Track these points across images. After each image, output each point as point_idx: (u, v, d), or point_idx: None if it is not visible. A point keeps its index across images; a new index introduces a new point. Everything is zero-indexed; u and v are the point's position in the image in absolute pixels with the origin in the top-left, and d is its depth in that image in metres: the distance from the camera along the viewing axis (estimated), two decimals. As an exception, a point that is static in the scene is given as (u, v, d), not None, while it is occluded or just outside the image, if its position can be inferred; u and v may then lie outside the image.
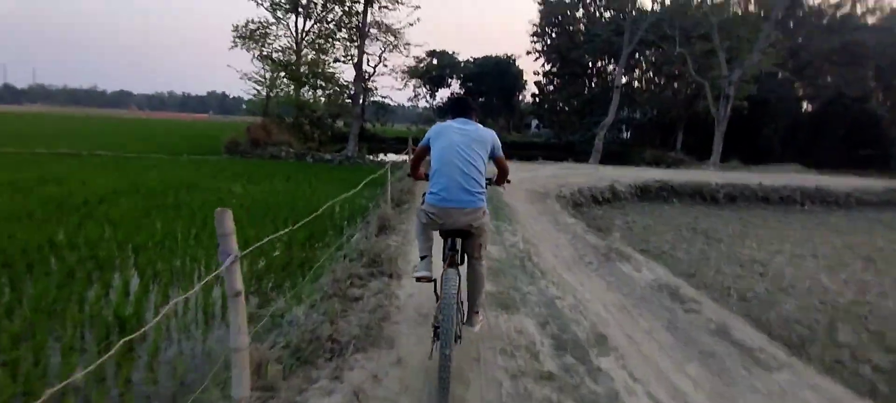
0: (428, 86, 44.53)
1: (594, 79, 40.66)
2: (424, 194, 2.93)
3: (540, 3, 39.13)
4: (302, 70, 24.29)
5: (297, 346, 2.85)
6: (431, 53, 43.74)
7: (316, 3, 24.67)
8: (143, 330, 2.25)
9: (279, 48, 25.45)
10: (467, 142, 2.83)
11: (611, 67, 39.17)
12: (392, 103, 37.26)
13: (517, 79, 45.72)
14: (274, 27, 25.04)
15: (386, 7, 23.26)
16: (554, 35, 39.99)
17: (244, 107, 27.66)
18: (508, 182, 3.44)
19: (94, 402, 3.08)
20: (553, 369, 2.88)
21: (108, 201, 8.76)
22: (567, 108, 40.84)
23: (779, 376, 3.03)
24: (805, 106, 35.79)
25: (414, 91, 44.49)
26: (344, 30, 24.61)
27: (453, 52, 44.95)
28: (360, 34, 22.77)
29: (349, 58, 24.83)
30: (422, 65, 42.98)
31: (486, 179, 2.98)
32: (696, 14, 25.69)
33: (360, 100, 27.55)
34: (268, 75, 25.68)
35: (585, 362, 2.97)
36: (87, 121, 42.73)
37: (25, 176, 10.96)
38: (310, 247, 6.99)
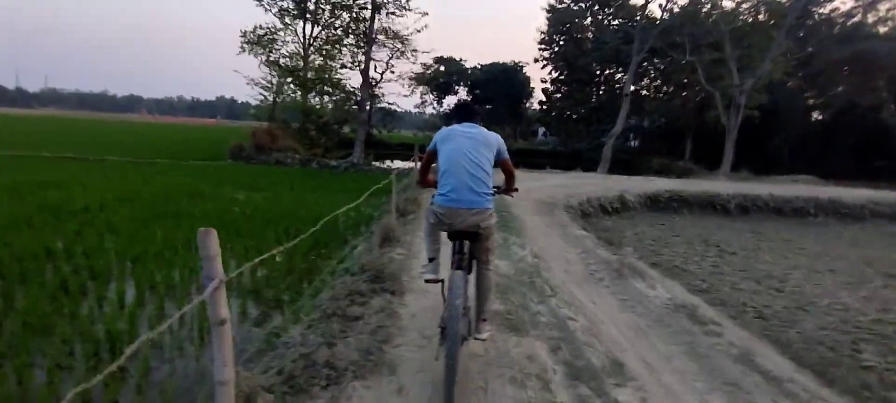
0: (435, 93, 44.45)
1: (602, 87, 40.45)
2: (433, 195, 2.98)
3: (548, 11, 39.03)
4: (309, 76, 24.22)
5: (291, 373, 2.65)
6: (439, 60, 43.73)
7: (324, 9, 24.67)
8: (122, 357, 2.06)
9: (286, 54, 25.49)
10: (474, 144, 2.89)
11: (619, 75, 38.96)
12: (399, 110, 37.26)
13: (524, 87, 45.55)
14: (281, 33, 25.10)
15: (393, 13, 23.19)
16: (562, 42, 39.82)
17: (252, 112, 27.57)
18: (516, 190, 3.42)
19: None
20: (567, 401, 2.66)
21: (109, 208, 8.63)
22: (574, 116, 40.63)
23: (811, 410, 2.80)
24: (815, 116, 35.36)
25: (421, 97, 44.46)
26: (351, 36, 24.57)
27: (461, 59, 44.97)
28: (368, 40, 22.69)
29: (356, 64, 24.77)
30: (429, 71, 42.95)
31: (495, 187, 3.03)
32: (707, 22, 25.44)
33: (367, 107, 27.48)
34: (274, 81, 25.67)
35: (602, 394, 2.75)
36: (97, 126, 42.94)
37: (27, 180, 10.86)
38: (312, 257, 6.81)
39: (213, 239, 1.80)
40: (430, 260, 3.10)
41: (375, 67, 26.65)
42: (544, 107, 43.53)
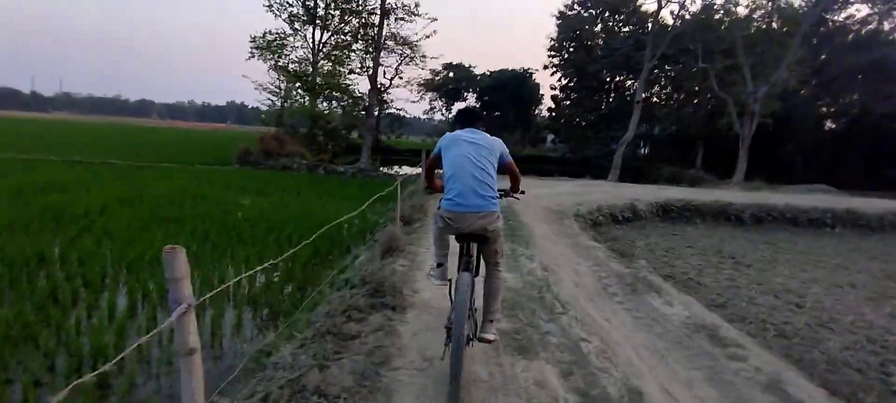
0: (444, 100, 44.25)
1: (611, 94, 40.09)
2: (440, 200, 3.03)
3: (558, 18, 38.81)
4: (317, 81, 24.15)
5: (276, 401, 2.41)
6: (448, 66, 43.58)
7: (333, 15, 24.62)
8: (92, 374, 1.84)
9: (296, 59, 25.45)
10: (477, 149, 2.95)
11: (629, 82, 38.61)
12: (407, 116, 37.14)
13: (533, 94, 45.21)
14: (291, 38, 25.07)
15: (403, 19, 23.09)
16: (571, 49, 39.54)
17: (261, 117, 27.53)
18: (522, 193, 3.47)
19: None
20: (580, 436, 2.41)
21: (109, 212, 8.48)
22: (583, 123, 40.29)
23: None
24: (828, 124, 34.77)
25: (430, 104, 44.29)
26: (360, 41, 24.49)
27: (470, 66, 44.66)
28: (376, 46, 22.60)
29: (365, 69, 24.70)
30: (438, 77, 42.83)
31: (500, 191, 3.08)
32: (719, 29, 25.09)
33: (376, 112, 27.36)
34: (283, 86, 25.62)
35: (619, 428, 2.49)
36: (108, 129, 43.22)
37: (32, 183, 10.78)
38: (315, 263, 6.60)
39: (179, 259, 1.58)
40: (439, 265, 3.14)
41: (384, 73, 26.59)
42: (553, 113, 43.21)
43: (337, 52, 25.32)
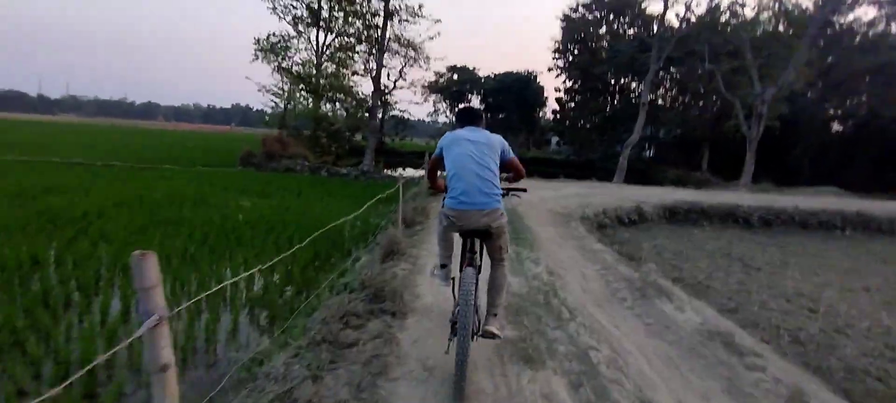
0: (448, 102, 44.11)
1: (616, 97, 39.88)
2: (443, 199, 3.06)
3: (562, 20, 38.67)
4: (321, 83, 24.04)
5: (266, 416, 2.25)
6: (452, 68, 43.48)
7: (337, 17, 24.54)
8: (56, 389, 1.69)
9: (299, 61, 25.37)
10: (479, 146, 2.96)
11: (634, 85, 38.39)
12: (411, 118, 37.03)
13: (538, 96, 45.00)
14: (295, 41, 25.00)
15: (406, 20, 22.97)
16: (576, 52, 39.37)
17: (266, 119, 27.49)
18: (524, 190, 3.50)
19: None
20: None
21: (107, 214, 8.36)
22: (588, 126, 40.10)
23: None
24: (835, 127, 34.43)
25: (434, 106, 44.17)
26: (364, 43, 24.38)
27: (474, 68, 44.51)
28: (380, 48, 22.48)
29: (368, 71, 24.58)
30: (442, 80, 42.72)
31: (503, 188, 3.12)
32: (726, 31, 24.85)
33: (380, 114, 27.24)
34: (286, 88, 25.55)
35: (633, 445, 2.31)
36: (113, 132, 43.30)
37: (32, 185, 10.68)
38: (314, 269, 6.44)
39: (150, 265, 1.42)
40: (443, 266, 3.17)
41: (388, 75, 26.47)
42: (558, 116, 43.01)
43: (341, 54, 25.23)
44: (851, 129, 31.79)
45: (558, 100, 41.88)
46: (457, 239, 3.12)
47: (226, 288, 5.13)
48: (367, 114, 24.80)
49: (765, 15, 24.96)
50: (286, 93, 25.65)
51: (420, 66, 26.31)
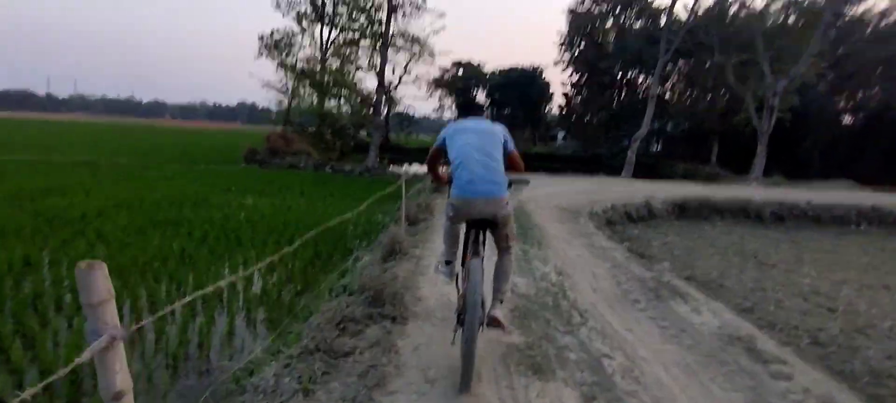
0: (453, 97, 43.85)
1: (623, 91, 39.44)
2: (449, 192, 3.07)
3: (568, 14, 38.25)
4: (325, 79, 23.87)
5: (249, 437, 2.05)
6: (457, 64, 43.21)
7: (341, 13, 24.37)
8: None
9: (304, 58, 25.23)
10: (482, 135, 2.98)
11: (641, 78, 37.96)
12: (416, 114, 36.83)
13: (543, 91, 44.61)
14: (299, 37, 24.86)
15: (410, 14, 22.75)
16: (582, 45, 38.91)
17: (272, 117, 27.40)
18: (527, 182, 3.64)
19: None
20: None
21: (106, 215, 8.21)
22: (594, 120, 39.69)
23: None
24: (846, 119, 33.88)
25: (439, 101, 43.93)
26: (369, 38, 24.19)
27: (479, 63, 44.21)
28: (384, 42, 22.27)
29: (372, 67, 24.39)
30: (447, 75, 42.44)
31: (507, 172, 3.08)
32: (735, 22, 24.44)
33: (385, 111, 27.02)
34: (290, 84, 25.42)
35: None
36: (119, 130, 43.39)
37: (31, 186, 10.56)
38: (315, 269, 6.25)
39: (98, 276, 1.23)
40: (448, 263, 3.12)
41: (393, 70, 26.29)
42: (564, 110, 42.61)
43: (345, 50, 25.07)
44: (862, 121, 31.27)
45: (564, 94, 41.50)
46: (461, 235, 3.11)
47: (222, 291, 4.94)
48: (371, 111, 24.65)
49: (775, 5, 24.49)
50: (290, 90, 25.53)
51: (425, 62, 26.11)
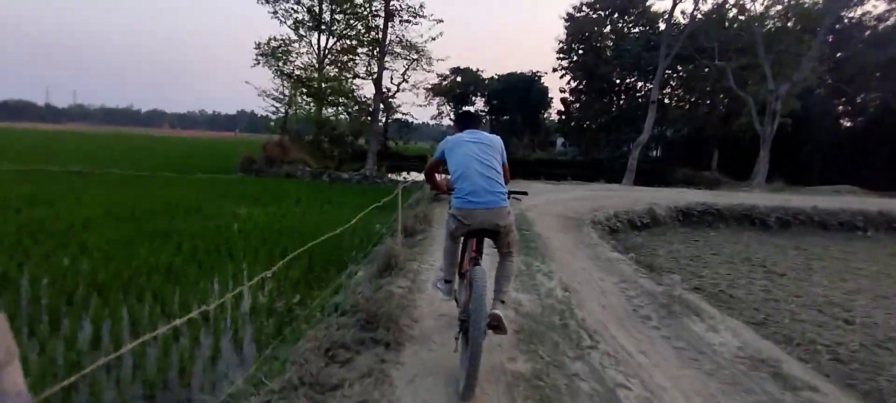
0: (452, 104, 43.67)
1: (622, 96, 39.34)
2: (450, 205, 3.10)
3: (566, 20, 38.17)
4: (323, 87, 23.62)
5: None
6: (455, 70, 43.07)
7: (338, 21, 24.17)
8: None
9: (301, 65, 24.99)
10: (482, 147, 3.03)
11: (640, 84, 37.85)
12: (414, 121, 36.55)
13: (542, 97, 44.49)
14: (296, 44, 24.63)
15: (407, 21, 22.49)
16: (580, 51, 38.83)
17: (270, 125, 27.14)
18: (524, 193, 3.58)
19: None
20: None
21: (93, 226, 7.93)
22: (593, 126, 39.56)
23: None
24: (846, 123, 33.74)
25: (437, 108, 43.74)
26: (366, 45, 23.96)
27: (477, 70, 44.08)
28: (381, 50, 22.03)
29: (370, 74, 24.14)
30: (445, 82, 42.26)
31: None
32: (735, 26, 24.31)
33: (383, 118, 26.79)
34: (287, 92, 25.16)
35: None
36: (118, 140, 43.10)
37: (19, 196, 10.28)
38: (305, 285, 5.95)
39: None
40: (447, 282, 3.14)
41: (391, 77, 26.05)
42: (563, 116, 42.48)
43: (342, 57, 24.84)
44: (863, 125, 31.17)
45: (563, 100, 41.41)
46: (459, 252, 3.13)
47: (208, 310, 4.65)
48: (369, 118, 24.40)
49: (775, 9, 24.37)
50: (287, 98, 25.28)
51: (423, 68, 25.87)
